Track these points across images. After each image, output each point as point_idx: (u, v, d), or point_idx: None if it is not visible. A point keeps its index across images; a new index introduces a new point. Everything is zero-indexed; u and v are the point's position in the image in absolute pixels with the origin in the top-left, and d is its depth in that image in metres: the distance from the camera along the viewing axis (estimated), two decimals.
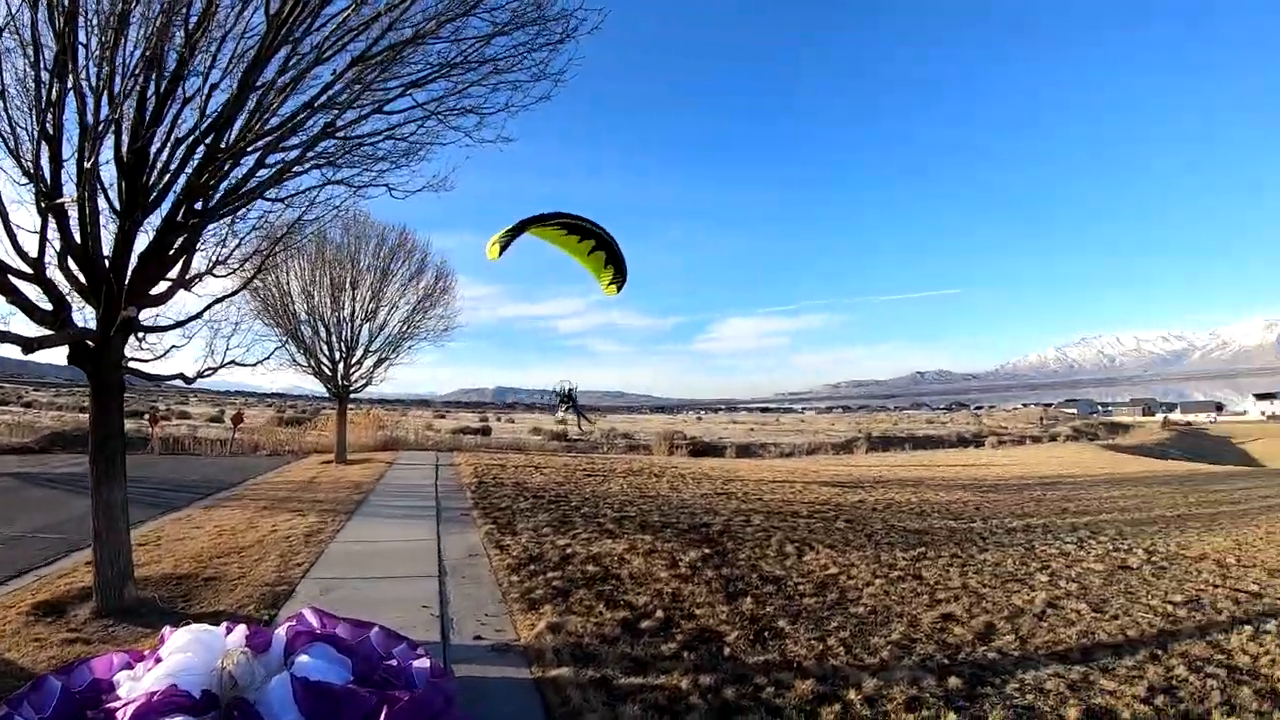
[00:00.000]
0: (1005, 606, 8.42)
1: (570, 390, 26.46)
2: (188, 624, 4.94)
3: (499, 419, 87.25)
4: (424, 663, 4.78)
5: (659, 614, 7.13)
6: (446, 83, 8.10)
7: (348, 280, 24.43)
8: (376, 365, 26.37)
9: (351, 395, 26.21)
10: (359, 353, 25.19)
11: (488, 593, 7.83)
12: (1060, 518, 15.92)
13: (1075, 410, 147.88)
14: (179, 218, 7.31)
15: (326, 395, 26.48)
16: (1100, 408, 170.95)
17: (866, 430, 62.39)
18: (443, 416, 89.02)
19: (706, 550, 9.96)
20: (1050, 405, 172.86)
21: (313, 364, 24.14)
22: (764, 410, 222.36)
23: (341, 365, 24.64)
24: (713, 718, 5.02)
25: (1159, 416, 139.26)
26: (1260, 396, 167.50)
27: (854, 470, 26.49)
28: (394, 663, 4.77)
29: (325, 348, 24.25)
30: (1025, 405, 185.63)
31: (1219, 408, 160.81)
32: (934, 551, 11.24)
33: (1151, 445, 68.23)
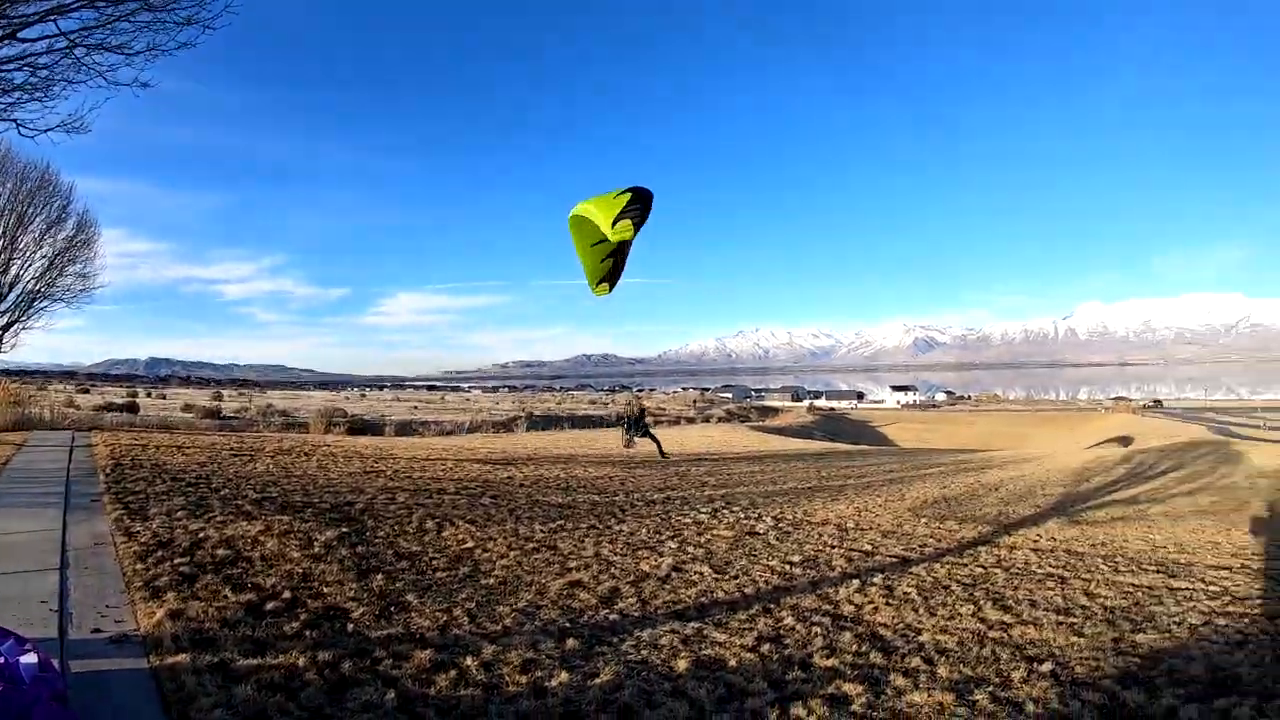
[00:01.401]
0: (633, 572, 8.82)
1: (642, 410, 24.72)
2: None
3: (149, 394, 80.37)
4: (32, 658, 4.36)
5: (286, 594, 6.85)
6: (93, 13, 7.39)
7: None
8: (6, 329, 22.94)
9: None
10: None
11: (111, 583, 7.21)
12: (700, 490, 16.92)
13: (731, 395, 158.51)
14: None
15: None
16: (754, 393, 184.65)
17: (529, 409, 63.33)
18: (86, 391, 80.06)
19: (345, 529, 9.67)
20: (708, 390, 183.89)
21: None
22: (430, 388, 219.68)
23: None
24: (328, 692, 4.90)
25: (806, 402, 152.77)
26: (896, 388, 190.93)
27: (510, 448, 26.75)
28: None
29: None
30: (685, 389, 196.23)
31: (860, 396, 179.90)
32: (573, 524, 11.54)
33: (798, 427, 74.49)
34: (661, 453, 24.93)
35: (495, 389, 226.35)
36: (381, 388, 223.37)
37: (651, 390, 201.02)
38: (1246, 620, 8.08)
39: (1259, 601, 9.01)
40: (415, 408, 72.52)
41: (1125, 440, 62.22)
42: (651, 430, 24.75)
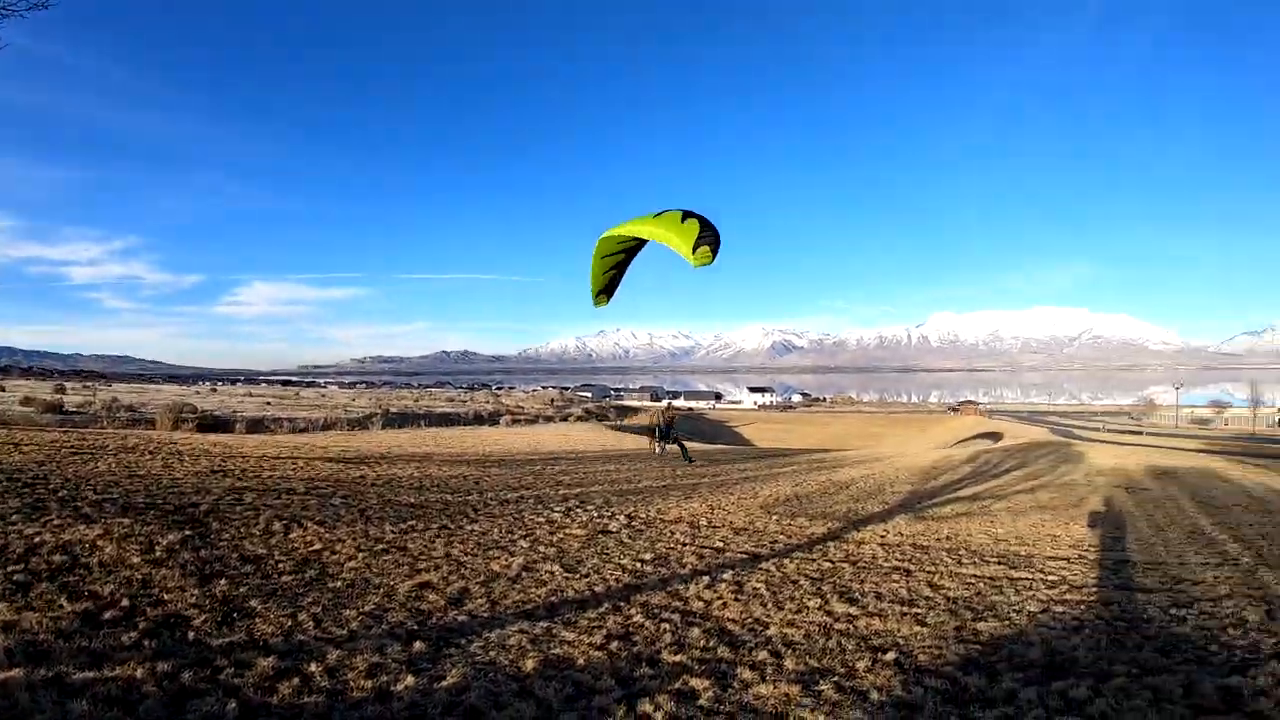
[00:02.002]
0: (483, 572, 8.85)
1: (673, 419, 28.41)
2: None
3: None
4: None
5: (124, 602, 6.62)
6: None
7: None
8: None
9: None
10: None
11: None
12: (555, 489, 16.90)
13: (590, 394, 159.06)
14: None
15: None
16: (613, 392, 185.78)
17: (385, 406, 62.15)
18: None
19: (188, 532, 9.36)
20: (568, 389, 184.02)
21: None
22: (285, 383, 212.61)
23: None
24: (168, 704, 4.78)
25: (664, 402, 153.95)
26: (754, 389, 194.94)
27: (364, 446, 26.28)
28: None
29: None
30: (545, 388, 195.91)
31: (718, 397, 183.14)
32: (424, 524, 11.45)
33: (654, 427, 74.89)
34: (687, 458, 26.84)
35: (352, 385, 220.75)
36: (234, 382, 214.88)
37: (511, 389, 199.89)
38: (1083, 607, 8.66)
39: (1094, 589, 9.66)
40: (268, 404, 69.91)
41: (996, 436, 65.25)
42: (680, 439, 28.42)
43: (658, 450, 27.94)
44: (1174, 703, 5.58)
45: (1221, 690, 5.79)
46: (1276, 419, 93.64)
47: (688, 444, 30.42)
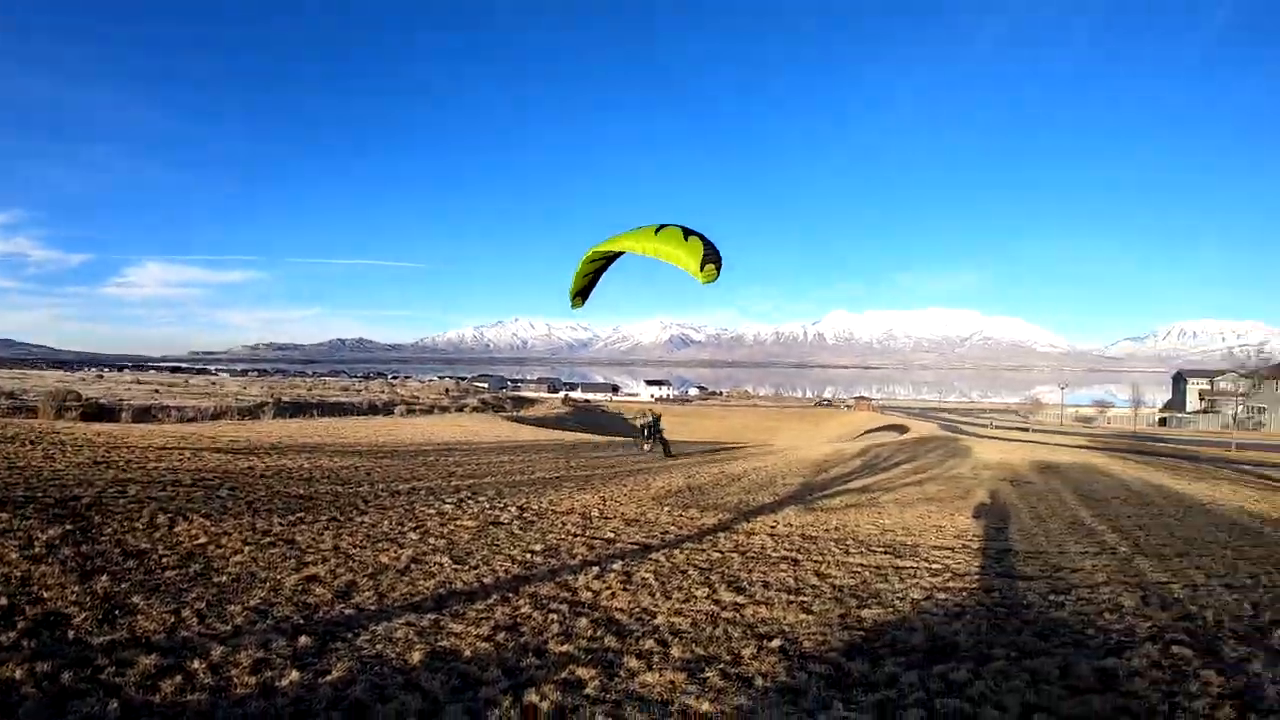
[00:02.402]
0: (371, 565, 8.82)
1: (656, 419, 30.33)
2: None
3: None
4: None
5: (2, 601, 6.48)
6: None
7: None
8: None
9: None
10: None
11: None
12: (448, 481, 16.90)
13: (487, 385, 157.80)
14: None
15: None
16: (510, 383, 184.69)
17: (277, 395, 60.75)
18: None
19: (69, 526, 9.15)
20: (464, 379, 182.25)
21: None
22: (175, 369, 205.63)
23: None
24: (48, 706, 4.68)
25: (562, 394, 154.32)
26: (651, 382, 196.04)
27: (254, 436, 25.75)
28: None
29: None
30: (441, 378, 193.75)
31: (615, 389, 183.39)
32: (313, 516, 11.35)
33: (552, 418, 74.69)
34: (668, 453, 28.61)
35: (244, 372, 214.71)
36: (122, 368, 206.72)
37: (407, 378, 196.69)
38: (965, 594, 9.02)
39: (977, 577, 10.04)
40: (157, 391, 67.64)
41: (901, 429, 66.78)
42: (664, 435, 30.16)
43: (646, 448, 29.53)
44: (1051, 684, 5.88)
45: (1097, 671, 6.12)
46: (1156, 419, 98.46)
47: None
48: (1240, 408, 69.94)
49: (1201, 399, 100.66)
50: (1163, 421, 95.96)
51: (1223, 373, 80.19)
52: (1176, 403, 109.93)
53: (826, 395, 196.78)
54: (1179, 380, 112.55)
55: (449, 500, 13.91)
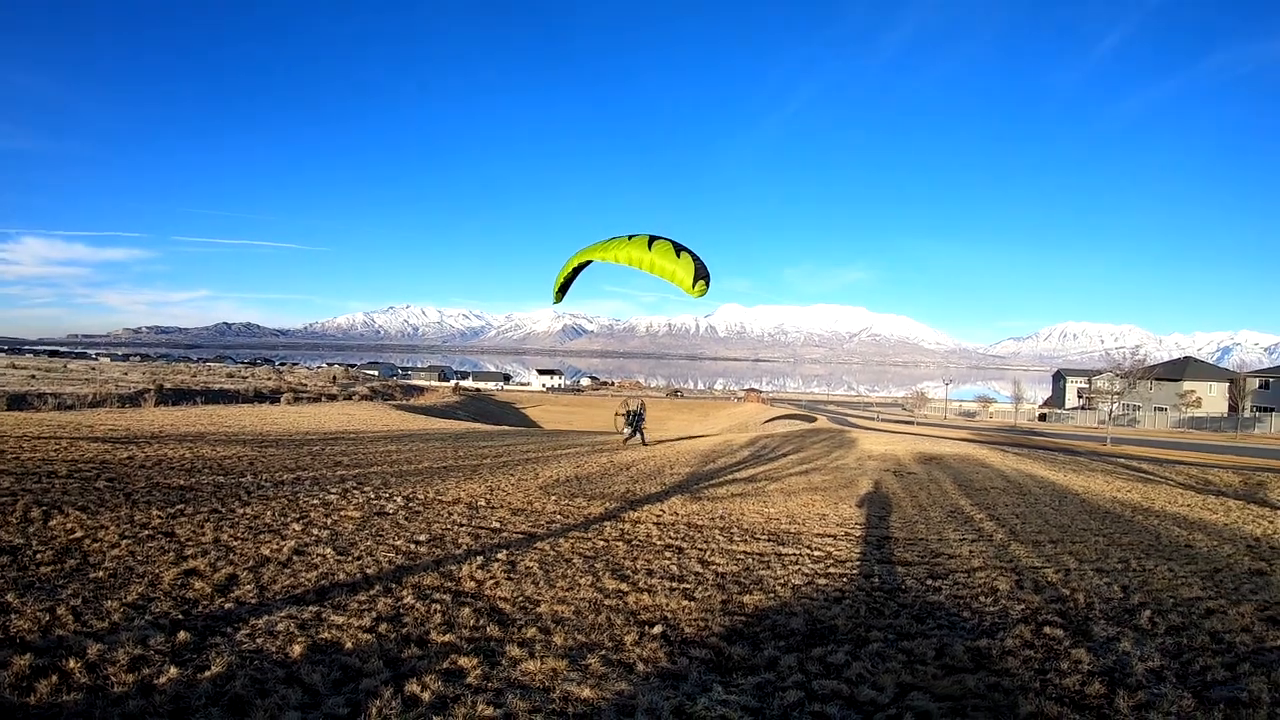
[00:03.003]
0: (253, 557, 8.70)
1: (640, 409, 31.62)
2: None
3: None
4: None
5: None
6: None
7: None
8: None
9: None
10: None
11: None
12: (333, 470, 16.69)
13: (377, 372, 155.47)
14: None
15: None
16: (401, 371, 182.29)
17: (160, 382, 58.79)
18: None
19: None
20: (354, 366, 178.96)
21: None
22: (53, 354, 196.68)
23: None
24: None
25: (452, 382, 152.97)
26: (543, 372, 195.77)
27: (134, 425, 24.98)
28: None
29: None
30: (330, 364, 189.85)
31: (507, 378, 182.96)
32: (194, 508, 11.12)
33: (442, 407, 74.10)
34: (644, 442, 30.46)
35: (126, 357, 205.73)
36: None
37: (295, 365, 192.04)
38: (845, 579, 9.41)
39: (857, 563, 10.48)
40: (33, 376, 64.47)
41: (809, 418, 68.02)
42: (643, 427, 31.66)
43: (626, 434, 30.95)
44: (926, 664, 6.24)
45: (971, 651, 6.51)
46: (1037, 414, 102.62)
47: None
48: (1116, 405, 73.25)
49: (1080, 396, 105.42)
50: (1043, 417, 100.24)
51: (1100, 372, 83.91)
52: (1056, 399, 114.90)
53: (737, 389, 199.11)
54: (1059, 378, 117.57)
55: (334, 490, 13.77)
